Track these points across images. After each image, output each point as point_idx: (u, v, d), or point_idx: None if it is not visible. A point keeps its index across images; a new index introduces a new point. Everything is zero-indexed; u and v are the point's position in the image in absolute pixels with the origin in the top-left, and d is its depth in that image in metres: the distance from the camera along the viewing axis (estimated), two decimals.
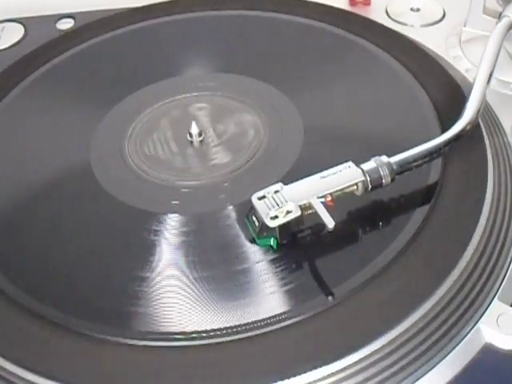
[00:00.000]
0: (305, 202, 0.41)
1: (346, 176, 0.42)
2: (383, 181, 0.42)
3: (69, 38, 0.64)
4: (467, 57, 0.58)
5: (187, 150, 0.51)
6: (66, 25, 0.67)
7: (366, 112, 0.52)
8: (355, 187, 0.42)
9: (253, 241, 0.43)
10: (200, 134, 0.51)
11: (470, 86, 0.48)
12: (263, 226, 0.41)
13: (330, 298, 0.39)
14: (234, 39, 0.61)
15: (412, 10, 0.64)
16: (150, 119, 0.54)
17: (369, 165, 0.43)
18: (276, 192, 0.42)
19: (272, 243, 0.42)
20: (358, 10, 0.64)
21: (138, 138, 0.53)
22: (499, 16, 0.53)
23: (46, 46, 0.63)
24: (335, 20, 0.61)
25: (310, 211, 0.41)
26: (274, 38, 0.61)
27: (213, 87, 0.56)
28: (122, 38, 0.63)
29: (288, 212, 0.41)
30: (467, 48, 0.59)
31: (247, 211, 0.43)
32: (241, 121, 0.53)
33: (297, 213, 0.41)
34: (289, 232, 0.42)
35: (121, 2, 0.67)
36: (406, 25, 0.63)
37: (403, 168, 0.43)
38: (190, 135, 0.51)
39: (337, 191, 0.42)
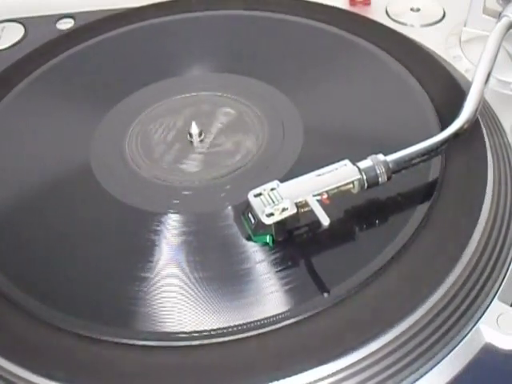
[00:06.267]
0: (301, 199, 0.41)
1: (342, 174, 0.43)
2: (379, 179, 0.43)
3: (69, 38, 0.64)
4: (467, 57, 0.58)
5: (187, 150, 0.51)
6: (66, 25, 0.67)
7: (366, 112, 0.52)
8: (351, 185, 0.43)
9: (249, 238, 0.43)
10: (200, 134, 0.51)
11: (469, 86, 0.48)
12: (259, 223, 0.41)
13: (329, 297, 0.39)
14: (234, 39, 0.61)
15: (412, 10, 0.64)
16: (149, 119, 0.54)
17: (365, 163, 0.43)
18: (272, 189, 0.42)
19: (268, 240, 0.42)
20: (358, 10, 0.64)
21: (137, 137, 0.53)
22: (499, 16, 0.53)
23: (46, 46, 0.63)
24: (335, 20, 0.61)
25: (305, 209, 0.41)
26: (274, 38, 0.61)
27: (213, 87, 0.56)
28: (121, 38, 0.63)
29: (284, 209, 0.41)
30: (467, 48, 0.59)
31: (243, 208, 0.43)
32: (241, 121, 0.53)
33: (292, 210, 0.41)
34: (284, 229, 0.42)
35: (121, 2, 0.67)
36: (405, 25, 0.63)
37: (400, 166, 0.43)
38: (190, 135, 0.51)
39: (333, 189, 0.42)
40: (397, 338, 0.37)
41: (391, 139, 0.48)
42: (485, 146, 0.47)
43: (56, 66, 0.60)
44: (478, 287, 0.40)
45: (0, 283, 0.43)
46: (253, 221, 0.42)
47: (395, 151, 0.44)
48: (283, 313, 0.39)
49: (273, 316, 0.39)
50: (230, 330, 0.38)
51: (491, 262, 0.41)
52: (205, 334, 0.38)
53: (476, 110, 0.46)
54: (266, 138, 0.51)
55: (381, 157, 0.43)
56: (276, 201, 0.41)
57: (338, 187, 0.42)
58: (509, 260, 0.42)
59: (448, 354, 0.38)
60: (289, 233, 0.42)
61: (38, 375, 0.37)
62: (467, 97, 0.47)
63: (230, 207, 0.46)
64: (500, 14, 0.53)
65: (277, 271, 0.41)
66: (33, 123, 0.55)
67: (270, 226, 0.41)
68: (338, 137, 0.50)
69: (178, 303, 0.40)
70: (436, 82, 0.53)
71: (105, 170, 0.50)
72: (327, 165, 0.43)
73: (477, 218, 0.42)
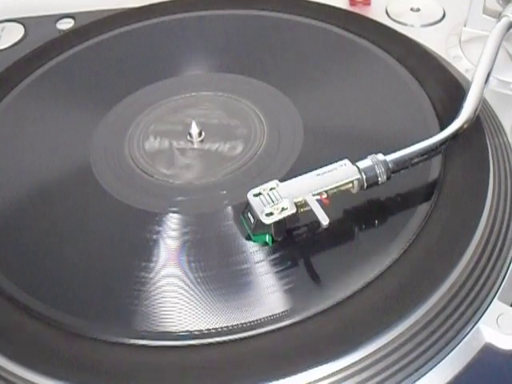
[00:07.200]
0: (300, 199, 0.41)
1: (341, 174, 0.43)
2: (379, 179, 0.43)
3: (69, 38, 0.64)
4: (467, 57, 0.58)
5: (187, 150, 0.51)
6: (66, 25, 0.67)
7: (366, 112, 0.52)
8: (351, 185, 0.43)
9: (248, 238, 0.43)
10: (200, 134, 0.51)
11: (469, 86, 0.48)
12: (258, 223, 0.41)
13: (328, 297, 0.39)
14: (234, 39, 0.61)
15: (412, 10, 0.64)
16: (149, 119, 0.54)
17: (365, 163, 0.43)
18: (272, 189, 0.42)
19: (267, 240, 0.42)
20: (358, 10, 0.64)
21: (137, 137, 0.53)
22: (499, 16, 0.53)
23: (46, 46, 0.63)
24: (335, 20, 0.61)
25: (305, 208, 0.41)
26: (274, 38, 0.61)
27: (213, 87, 0.56)
28: (121, 38, 0.63)
29: (283, 209, 0.41)
30: (467, 48, 0.59)
31: (243, 208, 0.43)
32: (241, 121, 0.53)
33: (292, 210, 0.41)
34: (284, 229, 0.42)
35: (121, 2, 0.67)
36: (406, 25, 0.63)
37: (399, 166, 0.43)
38: (190, 135, 0.51)
39: (332, 189, 0.42)
40: (397, 337, 0.37)
41: (391, 139, 0.48)
42: (485, 146, 0.47)
43: (56, 66, 0.60)
44: (477, 287, 0.40)
45: (0, 283, 0.43)
46: (252, 220, 0.42)
47: (395, 151, 0.44)
48: (283, 313, 0.39)
49: (272, 316, 0.39)
50: (230, 329, 0.38)
51: (491, 262, 0.41)
52: (204, 333, 0.38)
53: (476, 110, 0.46)
54: (265, 138, 0.51)
55: (380, 156, 0.43)
56: (275, 200, 0.41)
57: (337, 187, 0.42)
58: (509, 260, 0.42)
59: (448, 354, 0.38)
60: (288, 233, 0.42)
61: (38, 375, 0.37)
62: (467, 97, 0.47)
63: (229, 207, 0.46)
64: (500, 13, 0.53)
65: (276, 271, 0.41)
66: (33, 123, 0.55)
67: (269, 225, 0.41)
68: (338, 137, 0.50)
69: (177, 303, 0.40)
70: (436, 81, 0.53)
71: (105, 170, 0.50)
72: (327, 165, 0.43)
73: (477, 219, 0.42)
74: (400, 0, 0.65)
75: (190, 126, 0.52)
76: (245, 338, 0.38)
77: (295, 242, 0.43)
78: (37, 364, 0.38)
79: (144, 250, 0.44)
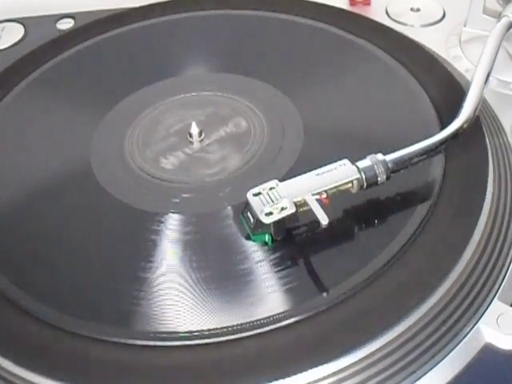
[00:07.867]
0: (299, 198, 0.41)
1: (341, 173, 0.43)
2: (378, 179, 0.43)
3: (69, 38, 0.64)
4: (467, 57, 0.58)
5: (187, 150, 0.51)
6: (66, 25, 0.67)
7: (365, 112, 0.52)
8: (350, 185, 0.43)
9: (247, 237, 0.43)
10: (200, 134, 0.51)
11: (469, 86, 0.48)
12: (258, 223, 0.41)
13: (328, 297, 0.39)
14: (234, 39, 0.61)
15: (412, 10, 0.64)
16: (149, 119, 0.54)
17: (364, 163, 0.43)
18: (271, 189, 0.42)
19: (267, 240, 0.42)
20: (358, 10, 0.64)
21: (138, 137, 0.53)
22: (499, 16, 0.53)
23: (46, 46, 0.63)
24: (335, 20, 0.61)
25: (305, 208, 0.41)
26: (274, 38, 0.61)
27: (213, 87, 0.56)
28: (121, 38, 0.63)
29: (283, 208, 0.41)
30: (467, 48, 0.59)
31: (242, 208, 0.43)
32: (241, 121, 0.53)
33: (291, 209, 0.41)
34: (283, 228, 0.42)
35: (121, 2, 0.67)
36: (406, 25, 0.63)
37: (399, 166, 0.43)
38: (190, 135, 0.51)
39: (332, 188, 0.42)
40: (397, 337, 0.37)
41: (391, 139, 0.48)
42: (485, 146, 0.47)
43: (56, 66, 0.60)
44: (477, 287, 0.40)
45: (0, 283, 0.43)
46: (252, 220, 0.42)
47: (395, 151, 0.44)
48: (282, 313, 0.39)
49: (272, 316, 0.39)
50: (230, 329, 0.38)
51: (491, 262, 0.41)
52: (204, 333, 0.38)
53: (475, 110, 0.46)
54: (265, 138, 0.51)
55: (380, 156, 0.43)
56: (275, 200, 0.41)
57: (336, 187, 0.42)
58: (509, 260, 0.42)
59: (448, 353, 0.38)
60: (288, 232, 0.43)
61: (38, 375, 0.37)
62: (467, 97, 0.47)
63: (229, 207, 0.46)
64: (500, 13, 0.53)
65: (276, 271, 0.41)
66: (33, 123, 0.55)
67: (268, 225, 0.41)
68: (338, 137, 0.50)
69: (177, 303, 0.40)
70: (436, 81, 0.53)
71: (105, 169, 0.50)
72: (327, 164, 0.43)
73: (477, 218, 0.42)
74: (400, 0, 0.65)
75: (190, 126, 0.52)
76: (244, 338, 0.38)
77: (295, 242, 0.43)
78: (36, 364, 0.38)
79: (144, 250, 0.44)
